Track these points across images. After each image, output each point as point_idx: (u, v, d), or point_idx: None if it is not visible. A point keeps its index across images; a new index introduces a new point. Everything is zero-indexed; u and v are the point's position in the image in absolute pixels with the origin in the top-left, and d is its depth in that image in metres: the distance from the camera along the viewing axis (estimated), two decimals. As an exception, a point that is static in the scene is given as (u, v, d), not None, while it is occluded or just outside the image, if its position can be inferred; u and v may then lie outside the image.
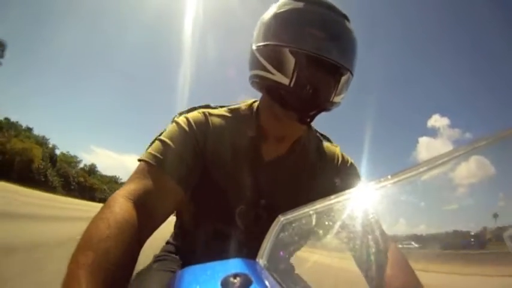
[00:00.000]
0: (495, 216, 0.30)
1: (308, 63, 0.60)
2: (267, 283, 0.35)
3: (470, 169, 0.31)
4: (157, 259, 0.79)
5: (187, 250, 0.78)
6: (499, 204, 0.29)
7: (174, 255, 0.79)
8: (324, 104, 0.65)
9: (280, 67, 0.62)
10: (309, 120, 0.67)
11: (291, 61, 0.61)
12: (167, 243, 0.86)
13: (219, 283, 0.35)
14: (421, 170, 0.32)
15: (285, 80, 0.61)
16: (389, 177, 0.34)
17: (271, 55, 0.64)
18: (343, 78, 0.64)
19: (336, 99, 0.65)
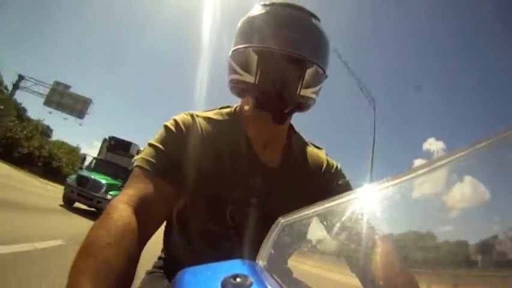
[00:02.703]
0: (496, 218, 0.30)
1: (269, 58, 0.64)
2: (267, 284, 0.35)
3: (470, 171, 0.31)
4: (150, 276, 0.78)
5: (181, 256, 0.77)
6: (500, 206, 0.30)
7: (168, 272, 0.78)
8: (292, 98, 0.67)
9: (246, 67, 0.66)
10: (283, 118, 0.70)
11: (254, 59, 0.64)
12: (159, 258, 0.86)
13: (219, 284, 0.35)
14: (420, 172, 0.32)
15: (250, 79, 0.65)
16: (389, 179, 0.35)
17: (239, 57, 0.68)
18: (309, 71, 0.66)
19: (304, 92, 0.67)
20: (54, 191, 11.43)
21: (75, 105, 22.80)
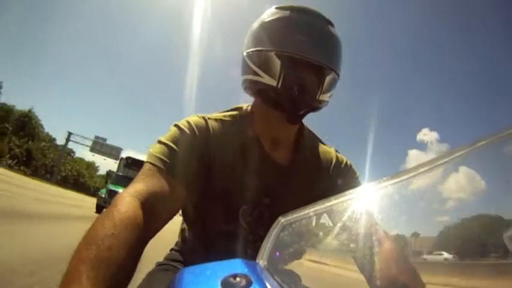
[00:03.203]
0: (495, 217, 0.29)
1: (293, 64, 0.66)
2: (267, 284, 0.35)
3: (470, 169, 0.31)
4: (160, 267, 0.80)
5: (193, 253, 0.79)
6: (499, 205, 0.29)
7: (178, 264, 0.80)
8: (310, 103, 0.70)
9: (268, 70, 0.68)
10: (298, 119, 0.73)
11: (277, 64, 0.66)
12: (171, 250, 0.87)
13: (219, 283, 0.35)
14: (422, 170, 0.32)
15: (273, 82, 0.67)
16: (390, 178, 0.34)
17: (259, 60, 0.70)
18: (328, 78, 0.69)
19: (322, 97, 0.70)
20: (89, 202, 14.97)
21: (111, 152, 33.04)
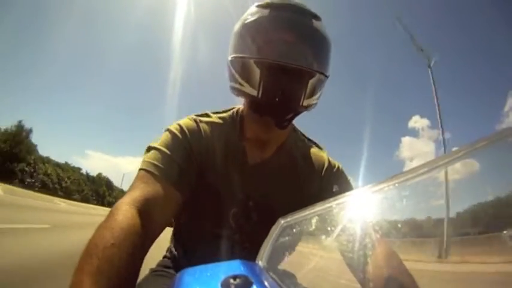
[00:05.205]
0: (494, 218, 0.30)
1: (272, 72, 0.62)
2: (267, 284, 0.35)
3: (467, 171, 0.31)
4: (153, 274, 0.79)
5: (185, 257, 0.78)
6: (497, 207, 0.30)
7: (171, 271, 0.79)
8: (295, 109, 0.67)
9: (248, 79, 0.65)
10: (286, 124, 0.70)
11: (256, 72, 0.63)
12: (164, 257, 0.87)
13: (218, 284, 0.35)
14: (419, 172, 0.32)
15: (253, 92, 0.64)
16: (388, 179, 0.35)
17: (240, 67, 0.67)
18: (311, 81, 0.65)
19: (308, 102, 0.66)
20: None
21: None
